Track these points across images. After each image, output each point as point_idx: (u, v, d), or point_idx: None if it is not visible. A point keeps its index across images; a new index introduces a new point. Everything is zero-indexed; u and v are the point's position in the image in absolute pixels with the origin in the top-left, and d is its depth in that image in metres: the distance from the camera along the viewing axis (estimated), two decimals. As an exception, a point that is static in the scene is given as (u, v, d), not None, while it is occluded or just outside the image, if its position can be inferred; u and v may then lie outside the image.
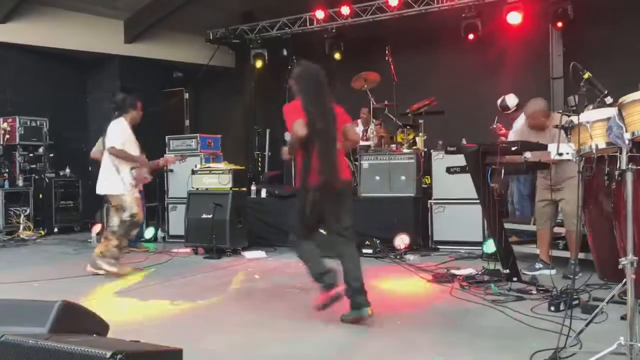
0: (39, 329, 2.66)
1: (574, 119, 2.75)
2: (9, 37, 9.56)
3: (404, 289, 5.01)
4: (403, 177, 7.36)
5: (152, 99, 10.81)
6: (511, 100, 6.98)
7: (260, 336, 3.70)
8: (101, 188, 5.93)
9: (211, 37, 11.26)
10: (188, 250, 7.35)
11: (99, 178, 5.97)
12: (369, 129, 8.18)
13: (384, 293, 4.88)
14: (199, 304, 4.63)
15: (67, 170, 10.01)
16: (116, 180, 5.81)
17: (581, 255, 4.69)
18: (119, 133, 5.89)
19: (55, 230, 9.52)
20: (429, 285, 5.11)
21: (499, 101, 7.08)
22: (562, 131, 2.89)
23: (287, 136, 3.89)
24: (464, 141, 6.60)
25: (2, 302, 2.98)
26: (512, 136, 6.55)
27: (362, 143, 8.17)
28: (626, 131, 2.57)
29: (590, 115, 2.76)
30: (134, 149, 5.98)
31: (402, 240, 6.79)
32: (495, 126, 7.27)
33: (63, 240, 8.81)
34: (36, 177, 9.54)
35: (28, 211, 9.20)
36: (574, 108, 5.04)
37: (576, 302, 4.00)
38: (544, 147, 4.49)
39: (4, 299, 3.11)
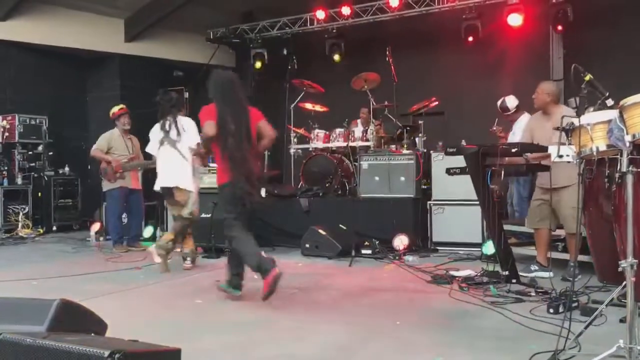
0: (37, 328, 2.66)
1: (575, 121, 2.74)
2: (9, 35, 9.54)
3: (403, 290, 5.00)
4: (402, 178, 7.36)
5: (153, 97, 10.80)
6: (511, 101, 6.98)
7: (259, 336, 3.69)
8: (170, 180, 5.96)
9: (211, 37, 11.26)
10: (187, 249, 7.33)
11: (164, 171, 6.01)
12: (368, 130, 8.17)
13: (383, 294, 4.88)
14: (197, 303, 4.62)
15: (66, 169, 10.00)
16: (190, 177, 5.98)
17: (582, 258, 4.68)
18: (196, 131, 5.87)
19: (54, 228, 9.51)
20: (428, 286, 5.10)
21: (499, 102, 7.09)
22: (562, 132, 2.89)
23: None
24: (463, 142, 6.58)
25: (1, 300, 2.98)
26: (515, 136, 6.57)
27: (361, 144, 8.18)
28: (627, 133, 2.56)
29: (591, 117, 2.75)
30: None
31: (401, 241, 6.79)
32: (495, 128, 7.27)
33: (62, 238, 8.80)
34: (35, 175, 9.52)
35: (27, 209, 9.19)
36: (575, 110, 5.07)
37: (575, 304, 3.99)
38: (544, 149, 4.48)
39: (3, 297, 3.11)
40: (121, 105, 7.86)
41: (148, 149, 6.31)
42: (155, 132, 6.17)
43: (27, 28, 9.66)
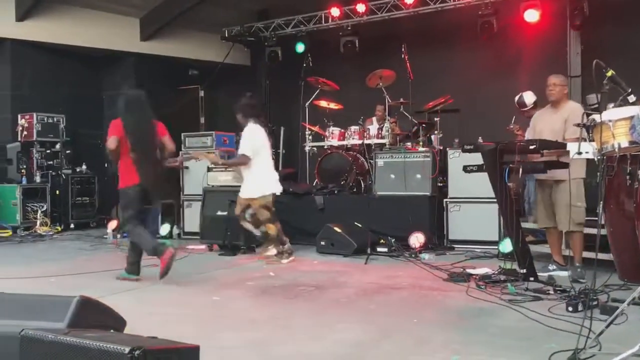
0: (58, 324, 2.68)
1: (596, 117, 2.70)
2: (26, 35, 9.67)
3: (419, 288, 4.98)
4: (418, 176, 7.32)
5: (168, 96, 10.88)
6: (529, 97, 6.92)
7: (276, 333, 3.70)
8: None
9: (226, 35, 11.28)
10: (203, 247, 7.39)
11: (272, 177, 6.41)
12: (384, 127, 8.14)
13: (399, 292, 4.86)
14: (214, 300, 4.64)
15: (84, 167, 10.08)
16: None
17: (601, 256, 4.60)
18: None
19: (72, 226, 9.60)
20: (444, 285, 5.08)
21: (516, 98, 7.02)
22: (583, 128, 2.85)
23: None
24: (480, 139, 6.54)
25: (22, 297, 3.02)
26: (529, 133, 6.52)
27: (376, 141, 8.15)
28: (650, 130, 2.53)
29: (613, 113, 2.71)
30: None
31: (417, 239, 6.76)
32: (512, 126, 7.21)
33: (79, 236, 8.89)
34: (53, 173, 9.63)
35: (45, 207, 9.29)
36: (594, 106, 5.02)
37: (595, 303, 3.95)
38: (564, 146, 4.43)
39: (23, 294, 3.14)
40: None
41: (247, 152, 6.18)
42: (257, 136, 6.25)
43: (44, 28, 9.77)
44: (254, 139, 6.22)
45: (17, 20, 9.52)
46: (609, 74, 2.86)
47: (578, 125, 2.80)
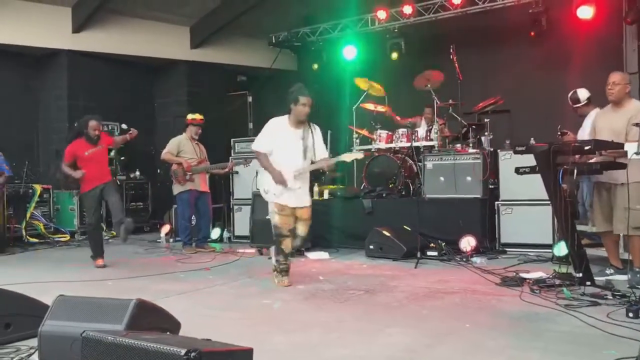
0: (116, 326, 2.79)
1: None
2: (82, 46, 10.03)
3: (471, 293, 4.90)
4: (469, 178, 7.22)
5: (217, 102, 11.09)
6: (583, 93, 6.73)
7: (327, 337, 3.71)
8: None
9: (273, 41, 11.42)
10: (253, 250, 7.48)
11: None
12: (432, 129, 8.06)
13: (451, 296, 4.80)
14: (265, 303, 4.69)
15: (137, 173, 10.37)
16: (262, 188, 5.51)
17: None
18: (266, 134, 5.45)
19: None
20: (497, 289, 4.98)
21: (570, 94, 6.83)
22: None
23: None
24: (532, 140, 6.40)
25: (82, 300, 3.13)
26: (584, 131, 6.33)
27: (425, 143, 8.07)
28: None
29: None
30: (281, 154, 5.32)
31: (468, 243, 6.66)
32: (559, 133, 7.01)
33: (134, 240, 9.09)
34: (108, 179, 9.91)
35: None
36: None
37: (657, 308, 3.80)
38: (620, 146, 4.29)
39: (83, 297, 3.26)
40: (201, 116, 8.01)
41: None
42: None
43: (98, 39, 10.11)
44: None
45: (73, 32, 9.88)
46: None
47: (636, 124, 2.70)
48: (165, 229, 8.78)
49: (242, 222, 8.38)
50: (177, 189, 7.75)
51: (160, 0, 10.02)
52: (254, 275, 6.00)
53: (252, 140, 8.75)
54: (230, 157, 8.65)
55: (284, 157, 5.25)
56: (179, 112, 10.62)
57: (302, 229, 5.35)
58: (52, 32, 9.76)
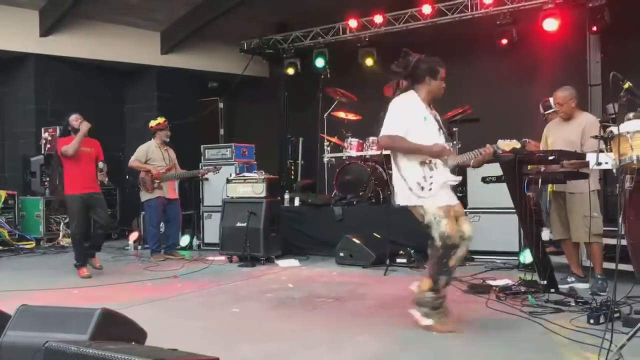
0: (80, 336, 2.74)
1: (614, 129, 2.70)
2: (50, 50, 9.87)
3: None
4: (437, 186, 7.27)
5: (188, 108, 11.01)
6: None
7: (295, 346, 3.71)
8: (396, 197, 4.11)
9: (245, 48, 11.39)
10: (223, 258, 7.44)
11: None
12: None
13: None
14: (233, 312, 4.67)
15: (105, 179, 10.19)
16: (403, 186, 3.98)
17: (622, 267, 4.55)
18: (399, 113, 4.03)
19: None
20: (464, 296, 5.05)
21: (541, 103, 6.95)
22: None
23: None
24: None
25: (45, 309, 3.08)
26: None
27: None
28: (668, 141, 2.51)
29: (630, 125, 2.70)
30: (423, 134, 3.94)
31: (436, 250, 6.71)
32: (525, 140, 7.12)
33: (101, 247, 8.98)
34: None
35: (68, 219, 9.41)
36: (613, 116, 4.98)
37: (617, 315, 3.90)
38: (582, 157, 4.41)
39: (47, 306, 3.21)
40: (163, 118, 8.00)
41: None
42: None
43: (67, 43, 9.96)
44: None
45: (41, 35, 9.72)
46: (626, 85, 2.85)
47: (596, 137, 2.79)
48: (134, 236, 8.66)
49: (212, 229, 8.32)
50: (145, 196, 7.67)
51: (130, 5, 9.91)
52: (223, 283, 5.97)
53: (223, 147, 8.94)
54: (200, 164, 8.61)
55: (424, 142, 3.89)
56: (148, 117, 10.45)
57: (467, 227, 3.93)
58: (19, 35, 9.58)
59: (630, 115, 2.99)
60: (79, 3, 9.24)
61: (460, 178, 4.05)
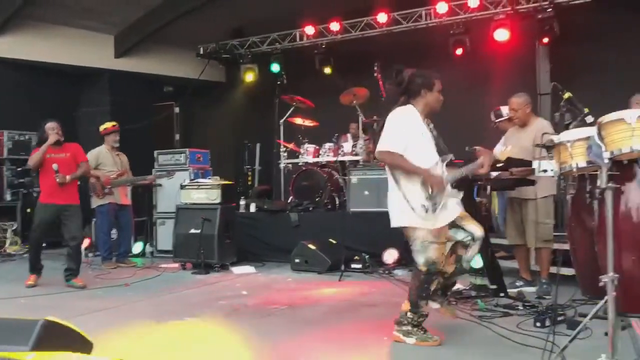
0: (22, 348, 2.65)
1: (555, 138, 2.78)
2: (-2, 52, 9.57)
3: (392, 305, 4.99)
4: (392, 192, 7.35)
5: (143, 112, 10.83)
6: (505, 109, 7.04)
7: (248, 355, 3.68)
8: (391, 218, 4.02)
9: (201, 52, 11.30)
10: (176, 265, 7.33)
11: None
12: (357, 144, 8.21)
13: (372, 309, 4.88)
14: (185, 320, 4.60)
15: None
16: (401, 205, 3.88)
17: (565, 271, 4.70)
18: (399, 129, 3.89)
19: (43, 245, 9.42)
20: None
21: (492, 112, 7.11)
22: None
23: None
24: (452, 157, 6.61)
25: (-15, 321, 2.96)
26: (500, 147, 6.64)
27: (350, 158, 8.21)
28: (605, 150, 2.60)
29: (570, 134, 2.80)
30: (420, 151, 3.91)
31: (390, 255, 6.80)
32: (474, 148, 7.26)
33: (51, 255, 8.65)
34: (24, 191, 9.47)
35: (15, 226, 9.13)
36: (568, 122, 5.14)
37: (562, 318, 4.02)
38: (528, 164, 4.53)
39: (-13, 317, 3.09)
40: (113, 122, 7.87)
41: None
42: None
43: (15, 45, 9.66)
44: None
45: (-12, 37, 9.43)
46: (566, 96, 2.95)
47: (537, 145, 2.88)
48: (85, 243, 8.44)
49: (165, 236, 8.19)
50: (95, 202, 7.51)
51: (83, 7, 9.70)
52: (176, 290, 5.88)
53: (177, 152, 8.81)
54: (152, 170, 8.47)
55: (421, 159, 3.87)
56: (102, 121, 10.20)
57: (475, 227, 3.83)
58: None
59: (573, 123, 3.10)
60: (29, 4, 8.99)
61: (462, 194, 4.01)
